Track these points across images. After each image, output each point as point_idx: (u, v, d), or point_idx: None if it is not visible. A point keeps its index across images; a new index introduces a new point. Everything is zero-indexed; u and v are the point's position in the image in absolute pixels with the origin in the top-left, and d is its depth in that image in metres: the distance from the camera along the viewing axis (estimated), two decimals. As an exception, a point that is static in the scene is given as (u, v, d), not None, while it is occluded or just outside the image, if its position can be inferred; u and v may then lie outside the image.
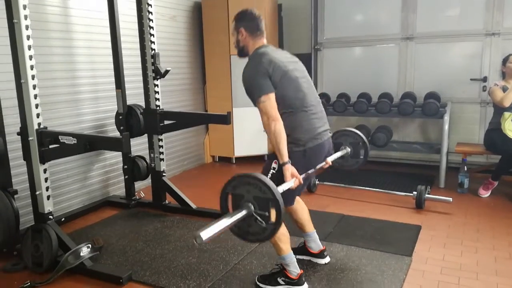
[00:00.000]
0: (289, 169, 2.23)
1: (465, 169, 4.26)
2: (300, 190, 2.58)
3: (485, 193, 4.16)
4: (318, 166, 2.47)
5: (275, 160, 2.32)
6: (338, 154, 2.88)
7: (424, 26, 5.10)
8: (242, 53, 2.51)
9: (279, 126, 2.21)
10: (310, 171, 2.40)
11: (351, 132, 3.02)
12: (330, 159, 2.60)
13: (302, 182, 2.29)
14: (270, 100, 2.24)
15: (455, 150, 4.53)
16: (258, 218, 1.92)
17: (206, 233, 1.70)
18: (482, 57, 4.86)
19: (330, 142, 2.55)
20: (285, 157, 2.22)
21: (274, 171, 2.35)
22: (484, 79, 4.86)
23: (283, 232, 2.41)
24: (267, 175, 2.32)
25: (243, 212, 1.91)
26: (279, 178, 2.25)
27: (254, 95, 2.26)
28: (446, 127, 4.47)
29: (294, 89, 2.35)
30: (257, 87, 2.26)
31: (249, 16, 2.45)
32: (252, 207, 1.93)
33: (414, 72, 5.25)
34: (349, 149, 2.98)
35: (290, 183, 2.20)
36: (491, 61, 4.81)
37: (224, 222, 1.83)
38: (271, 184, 1.90)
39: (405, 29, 5.22)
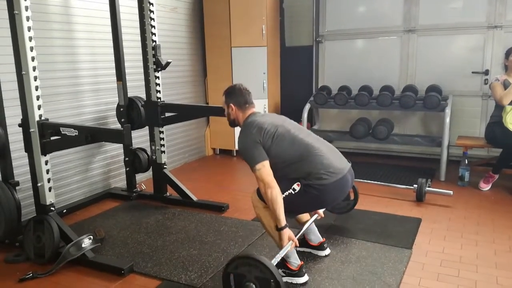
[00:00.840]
0: (287, 233, 2.33)
1: (466, 162, 4.26)
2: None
3: (485, 187, 4.16)
4: (305, 227, 2.66)
5: (298, 183, 2.38)
6: None
7: (427, 18, 5.08)
8: (233, 124, 2.72)
9: (275, 193, 2.29)
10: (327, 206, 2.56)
11: None
12: (321, 211, 2.81)
13: (298, 245, 2.42)
14: (265, 167, 2.34)
15: (456, 143, 4.53)
16: None
17: None
18: (484, 50, 4.84)
19: (352, 173, 2.57)
20: (283, 222, 2.32)
21: (293, 192, 2.39)
22: (486, 72, 4.84)
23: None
24: (283, 193, 2.36)
25: None
26: (295, 200, 2.37)
27: (250, 164, 2.39)
28: (448, 120, 4.46)
29: (290, 142, 2.44)
30: (251, 157, 2.38)
31: (237, 92, 2.65)
32: (254, 287, 2.05)
33: (415, 65, 5.23)
34: None
35: (287, 247, 2.32)
36: (493, 54, 4.79)
37: None
38: (271, 266, 2.02)
39: (407, 21, 5.19)
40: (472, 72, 4.92)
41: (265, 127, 2.43)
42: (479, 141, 4.45)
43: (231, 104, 2.64)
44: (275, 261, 2.19)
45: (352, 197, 3.34)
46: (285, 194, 2.36)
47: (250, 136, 2.43)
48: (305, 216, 2.78)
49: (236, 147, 5.66)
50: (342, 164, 2.48)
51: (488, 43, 4.81)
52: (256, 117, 2.56)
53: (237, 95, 2.64)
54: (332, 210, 3.36)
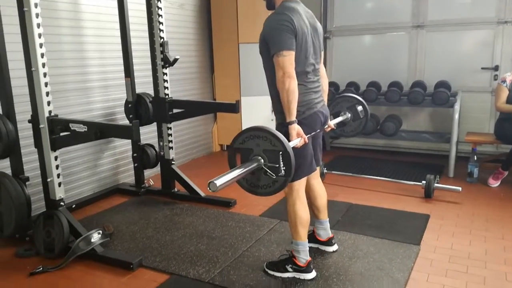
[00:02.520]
0: (295, 128, 2.24)
1: (475, 158, 4.23)
2: (311, 167, 2.52)
3: (494, 183, 4.13)
4: (316, 132, 2.47)
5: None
6: (339, 118, 2.93)
7: (435, 14, 5.04)
8: (269, 4, 2.44)
9: (294, 84, 2.19)
10: (308, 136, 2.36)
11: (344, 97, 3.04)
12: (332, 122, 2.66)
13: (307, 141, 2.30)
14: (291, 57, 2.20)
15: (465, 140, 4.50)
16: (268, 170, 1.94)
17: (221, 180, 1.76)
18: (493, 46, 4.80)
19: (327, 110, 2.54)
20: (293, 116, 2.22)
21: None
22: (496, 68, 4.80)
23: (305, 217, 2.45)
24: None
25: (254, 164, 1.93)
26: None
27: (275, 47, 2.20)
28: (457, 116, 4.43)
29: (303, 55, 2.31)
30: (281, 40, 2.19)
31: None
32: (262, 160, 1.95)
33: (424, 60, 5.20)
34: (349, 114, 2.99)
35: (295, 142, 2.20)
36: (503, 50, 4.75)
37: (237, 172, 1.86)
38: (281, 136, 1.91)
39: (416, 17, 5.15)
40: (482, 68, 4.88)
41: (302, 24, 2.27)
42: (488, 137, 4.41)
43: None
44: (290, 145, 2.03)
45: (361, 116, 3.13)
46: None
47: (288, 21, 2.21)
48: (323, 212, 2.77)
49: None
50: (319, 103, 2.45)
51: (498, 39, 4.76)
52: (298, 6, 2.35)
53: None
54: (346, 134, 3.19)
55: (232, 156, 2.06)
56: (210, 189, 1.73)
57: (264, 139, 1.94)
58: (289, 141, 2.18)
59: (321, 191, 2.76)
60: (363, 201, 3.76)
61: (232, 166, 2.04)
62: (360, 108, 3.01)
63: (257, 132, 1.96)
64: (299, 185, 2.44)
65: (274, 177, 1.94)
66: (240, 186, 2.08)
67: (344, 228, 3.20)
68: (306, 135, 2.32)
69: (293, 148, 2.17)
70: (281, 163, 1.93)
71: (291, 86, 2.18)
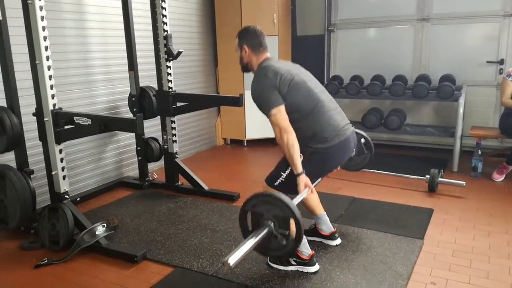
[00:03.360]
0: (303, 180, 2.29)
1: (479, 152, 4.21)
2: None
3: (499, 177, 4.12)
4: (324, 175, 2.60)
5: (300, 155, 2.34)
6: None
7: (440, 7, 5.00)
8: (246, 69, 2.59)
9: (292, 138, 2.25)
10: (333, 170, 2.52)
11: None
12: None
13: (314, 191, 2.39)
14: (281, 113, 2.28)
15: (469, 134, 4.48)
16: (279, 236, 1.99)
17: (234, 258, 1.78)
18: (499, 39, 4.76)
19: (355, 135, 2.57)
20: (299, 168, 2.28)
21: (290, 171, 2.37)
22: (501, 62, 4.77)
23: None
24: (284, 171, 2.35)
25: (265, 231, 1.97)
26: (293, 181, 2.32)
27: (265, 109, 2.31)
28: (461, 110, 4.41)
29: (304, 93, 2.38)
30: (267, 101, 2.30)
31: (251, 34, 2.52)
32: (272, 225, 2.00)
33: (429, 54, 5.16)
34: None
35: (303, 194, 2.27)
36: (508, 43, 4.71)
37: (249, 243, 1.90)
38: (291, 203, 1.96)
39: (421, 10, 5.11)
40: (487, 62, 4.84)
41: (281, 73, 2.35)
42: (493, 132, 4.39)
43: (245, 46, 2.51)
44: (294, 202, 2.11)
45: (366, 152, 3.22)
46: (289, 168, 2.34)
47: (266, 79, 2.33)
48: (317, 208, 2.78)
49: (247, 137, 5.67)
50: (346, 126, 2.47)
51: (503, 32, 4.72)
52: (272, 62, 2.46)
53: (251, 36, 2.51)
54: (348, 168, 3.26)
55: (243, 216, 2.11)
56: (224, 268, 1.77)
57: (275, 205, 1.99)
58: (298, 192, 2.27)
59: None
60: (366, 195, 3.76)
61: (243, 226, 2.12)
62: (363, 141, 3.10)
63: (268, 198, 2.02)
64: None
65: (284, 242, 1.99)
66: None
67: (347, 222, 3.20)
68: (331, 167, 2.49)
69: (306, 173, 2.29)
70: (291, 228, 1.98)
71: (290, 140, 2.24)
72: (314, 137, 2.35)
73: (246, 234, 2.10)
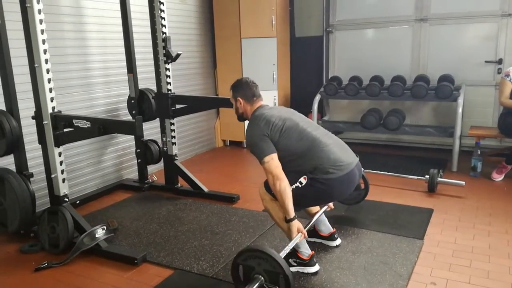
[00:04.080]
0: (296, 225, 2.34)
1: (478, 152, 4.22)
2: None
3: (498, 177, 4.12)
4: (317, 216, 2.67)
5: (305, 176, 2.38)
6: None
7: (439, 7, 5.01)
8: (242, 118, 2.71)
9: (284, 185, 2.29)
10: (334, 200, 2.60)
11: None
12: (331, 203, 2.80)
13: (307, 237, 2.43)
14: (273, 160, 2.35)
15: (469, 134, 4.48)
16: None
17: None
18: (497, 39, 4.77)
19: (360, 167, 2.56)
20: (291, 214, 2.32)
21: (299, 185, 2.39)
22: (499, 61, 4.78)
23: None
24: (290, 185, 2.36)
25: (255, 286, 2.03)
26: (302, 194, 2.37)
27: (258, 157, 2.39)
28: (460, 110, 4.41)
29: (297, 135, 2.43)
30: (259, 150, 2.38)
31: (244, 86, 2.64)
32: (263, 279, 2.05)
33: (427, 54, 5.17)
34: None
35: (296, 239, 2.32)
36: (507, 43, 4.72)
37: None
38: (280, 260, 2.01)
39: (419, 10, 5.13)
40: (485, 61, 4.85)
41: (273, 120, 2.43)
42: (492, 131, 4.39)
43: (239, 98, 2.62)
44: (283, 253, 2.19)
45: (362, 187, 3.34)
46: (292, 187, 2.36)
47: (258, 129, 2.43)
48: (314, 208, 2.78)
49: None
50: (350, 159, 2.47)
51: (501, 32, 4.74)
52: (264, 110, 2.55)
53: (244, 88, 2.63)
54: (342, 201, 3.35)
55: (235, 269, 2.16)
56: None
57: (265, 260, 2.04)
58: (307, 196, 2.37)
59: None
60: (366, 196, 3.75)
61: (235, 278, 2.17)
62: (362, 186, 3.24)
63: (259, 253, 2.06)
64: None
65: None
66: None
67: (347, 222, 3.20)
68: (335, 197, 2.55)
69: (305, 194, 2.37)
70: (281, 284, 2.02)
71: (282, 187, 2.28)
72: (315, 170, 2.37)
73: (237, 285, 2.17)
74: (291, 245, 2.29)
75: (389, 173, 4.18)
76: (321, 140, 2.43)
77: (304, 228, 2.42)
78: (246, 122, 2.65)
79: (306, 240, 2.53)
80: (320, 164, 2.36)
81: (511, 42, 4.68)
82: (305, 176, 2.37)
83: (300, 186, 2.38)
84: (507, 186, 3.96)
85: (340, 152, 2.45)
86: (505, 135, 4.21)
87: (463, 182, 3.78)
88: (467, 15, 4.86)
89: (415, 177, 4.01)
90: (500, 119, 4.21)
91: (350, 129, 5.27)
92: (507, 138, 4.30)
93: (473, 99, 4.92)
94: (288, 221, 2.33)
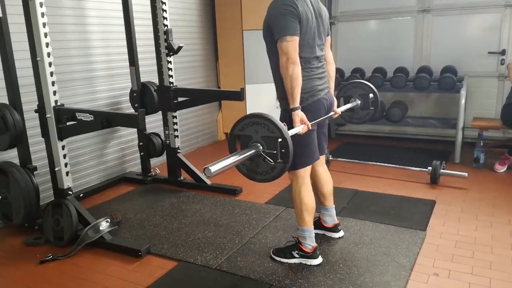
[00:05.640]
0: (299, 115, 2.23)
1: (481, 144, 4.21)
2: (314, 155, 2.49)
3: (501, 168, 4.12)
4: (320, 119, 2.46)
5: (284, 123, 2.21)
6: (348, 106, 2.89)
7: (442, -3, 4.97)
8: None
9: (297, 70, 2.18)
10: (311, 124, 2.34)
11: (360, 84, 2.98)
12: (339, 110, 2.65)
13: (310, 127, 2.29)
14: (294, 42, 2.18)
15: (471, 125, 4.47)
16: (267, 157, 1.95)
17: (215, 167, 1.74)
18: (501, 30, 4.74)
19: (331, 96, 2.52)
20: (297, 102, 2.22)
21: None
22: (503, 52, 4.75)
23: (311, 204, 2.46)
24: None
25: (252, 151, 1.94)
26: (297, 138, 2.21)
27: (278, 32, 2.19)
28: (463, 101, 4.40)
29: (309, 40, 2.31)
30: (284, 25, 2.18)
31: None
32: (261, 147, 1.97)
33: (430, 45, 5.15)
34: (359, 101, 2.95)
35: (299, 128, 2.21)
36: (510, 34, 4.69)
37: (233, 159, 1.87)
38: (279, 123, 1.92)
39: (422, 1, 5.09)
40: (488, 53, 4.82)
41: (306, 9, 2.26)
42: (495, 123, 4.38)
43: None
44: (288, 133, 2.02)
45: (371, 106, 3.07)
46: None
47: (292, 4, 2.19)
48: (329, 198, 2.78)
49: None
50: (323, 87, 2.44)
51: (505, 22, 4.70)
52: None
53: None
54: (350, 120, 3.14)
55: (232, 142, 2.08)
56: (205, 174, 1.73)
57: (262, 126, 1.95)
58: (293, 127, 2.19)
59: (327, 178, 2.77)
60: (368, 188, 3.76)
61: (232, 152, 2.05)
62: (372, 97, 2.95)
63: (256, 119, 1.97)
64: (304, 172, 2.45)
65: (272, 163, 1.95)
66: (239, 172, 2.09)
67: (350, 214, 3.21)
68: (310, 122, 2.32)
69: (297, 135, 2.19)
70: (279, 149, 1.94)
71: (295, 72, 2.17)
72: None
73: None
74: (293, 132, 2.14)
75: (392, 165, 4.18)
76: (315, 65, 2.38)
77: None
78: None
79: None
80: (307, 84, 2.30)
81: (514, 33, 4.65)
82: (284, 123, 2.13)
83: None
84: (510, 178, 3.96)
85: (318, 83, 2.41)
86: (508, 126, 4.20)
87: (466, 174, 3.78)
88: (470, 6, 4.83)
89: (418, 168, 4.02)
90: (503, 110, 4.20)
91: (352, 121, 5.26)
92: (510, 129, 4.29)
93: (476, 91, 4.91)
94: (291, 109, 2.23)
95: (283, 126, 1.94)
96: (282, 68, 2.21)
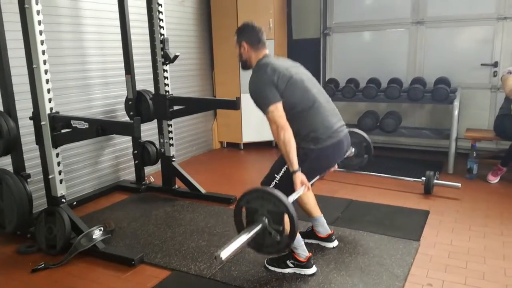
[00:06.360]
0: (299, 177, 2.29)
1: (474, 155, 4.24)
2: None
3: (494, 179, 4.14)
4: (323, 174, 2.59)
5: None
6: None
7: (435, 10, 5.04)
8: (245, 66, 2.57)
9: (288, 135, 2.25)
10: (325, 171, 2.48)
11: (353, 133, 3.06)
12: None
13: (310, 188, 2.38)
14: (278, 110, 2.29)
15: (465, 136, 4.51)
16: (273, 232, 1.98)
17: (225, 253, 1.77)
18: (493, 42, 4.80)
19: (348, 138, 2.58)
20: (295, 165, 2.27)
21: (283, 172, 2.38)
22: (495, 64, 4.80)
23: None
24: (278, 173, 2.37)
25: (259, 227, 1.98)
26: (287, 182, 2.32)
27: (262, 106, 2.32)
28: (456, 112, 4.44)
29: (302, 92, 2.39)
30: (264, 98, 2.31)
31: (250, 29, 2.52)
32: (266, 221, 2.00)
33: (424, 57, 5.20)
34: (353, 149, 3.04)
35: (300, 191, 2.27)
36: (502, 46, 4.75)
37: (242, 239, 1.90)
38: (284, 199, 1.96)
39: (416, 13, 5.15)
40: (481, 64, 4.88)
41: (280, 70, 2.36)
42: (488, 134, 4.43)
43: (243, 42, 2.50)
44: (290, 199, 2.11)
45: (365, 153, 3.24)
46: (282, 169, 2.36)
47: (265, 76, 2.34)
48: (314, 210, 2.79)
49: (244, 140, 5.68)
50: (340, 128, 2.48)
51: (497, 35, 4.77)
52: (270, 59, 2.47)
53: (250, 32, 2.50)
54: (345, 167, 3.25)
55: (238, 213, 2.12)
56: (216, 262, 1.77)
57: (268, 201, 2.00)
58: (294, 191, 2.26)
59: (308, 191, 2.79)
60: (363, 198, 3.77)
61: (238, 221, 2.12)
62: (365, 144, 3.12)
63: (262, 193, 2.02)
64: None
65: (279, 238, 1.99)
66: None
67: (344, 224, 3.21)
68: (324, 168, 2.49)
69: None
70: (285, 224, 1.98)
71: (286, 138, 2.25)
72: (307, 137, 2.36)
73: (240, 229, 2.10)
74: (295, 196, 2.21)
75: (386, 175, 4.20)
76: (321, 105, 2.42)
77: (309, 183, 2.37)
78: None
79: (304, 242, 2.54)
80: (313, 131, 2.35)
81: (507, 45, 4.71)
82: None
83: (283, 173, 2.38)
84: (502, 188, 3.98)
85: (334, 121, 2.45)
86: (500, 138, 4.23)
87: (459, 184, 3.80)
88: (463, 18, 4.90)
89: (412, 179, 4.04)
90: (496, 122, 4.24)
91: (347, 131, 5.29)
92: (502, 140, 4.32)
93: (469, 102, 4.95)
94: (292, 173, 2.28)
95: (288, 201, 1.98)
96: (274, 136, 2.31)
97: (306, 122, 2.38)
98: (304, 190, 2.31)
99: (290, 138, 2.25)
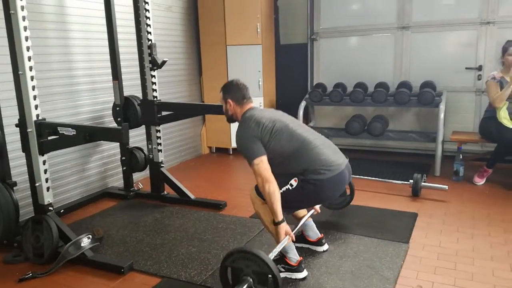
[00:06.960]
0: (284, 228, 2.34)
1: (461, 157, 4.30)
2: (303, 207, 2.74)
3: (480, 181, 4.20)
4: (315, 209, 2.75)
5: (295, 178, 2.40)
6: None
7: (420, 15, 5.11)
8: (231, 119, 2.70)
9: (273, 187, 2.30)
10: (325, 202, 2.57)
11: None
12: (317, 207, 2.83)
13: (294, 240, 2.43)
14: (263, 163, 2.35)
15: (451, 139, 4.57)
16: None
17: None
18: (477, 46, 4.88)
19: (350, 168, 2.59)
20: (280, 216, 2.32)
21: (290, 188, 2.42)
22: (479, 68, 4.88)
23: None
24: (281, 188, 2.38)
25: (244, 287, 2.03)
26: (292, 196, 2.39)
27: (248, 158, 2.39)
28: (442, 115, 4.50)
29: (287, 136, 2.45)
30: (249, 151, 2.38)
31: (234, 88, 2.65)
32: (251, 281, 2.05)
33: (410, 61, 5.26)
34: None
35: (283, 242, 2.33)
36: (486, 50, 4.84)
37: None
38: (269, 261, 2.02)
39: (401, 18, 5.22)
40: (466, 68, 4.96)
41: (263, 122, 2.44)
42: (473, 136, 4.49)
43: (229, 100, 2.63)
44: (272, 255, 2.20)
45: (348, 192, 3.37)
46: (282, 189, 2.39)
47: (248, 130, 2.44)
48: (301, 212, 2.80)
49: (233, 145, 5.67)
50: (340, 160, 2.49)
51: (481, 39, 4.85)
52: (254, 111, 2.56)
53: (234, 90, 2.63)
54: (328, 206, 3.40)
55: (224, 273, 2.17)
56: None
57: (253, 261, 2.05)
58: (298, 199, 2.38)
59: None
60: (352, 201, 3.78)
61: (224, 281, 2.17)
62: (348, 191, 3.32)
63: (247, 254, 2.07)
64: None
65: None
66: None
67: (333, 227, 3.23)
68: (324, 198, 2.57)
69: (299, 191, 2.39)
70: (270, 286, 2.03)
71: (271, 190, 2.29)
72: (306, 171, 2.39)
73: None
74: (279, 248, 2.30)
75: (374, 178, 4.23)
76: (311, 141, 2.45)
77: (292, 231, 2.43)
78: (233, 128, 2.67)
79: (294, 246, 2.54)
80: (311, 165, 2.39)
81: (490, 49, 4.79)
82: (296, 178, 2.40)
83: (290, 188, 2.41)
84: (488, 190, 4.04)
85: (330, 153, 2.47)
86: (485, 140, 4.30)
87: (446, 186, 3.84)
88: (448, 23, 4.97)
89: (400, 182, 4.07)
90: (481, 124, 4.31)
91: (335, 135, 5.31)
92: (487, 142, 4.39)
93: (455, 105, 5.02)
94: (276, 223, 2.33)
95: (273, 263, 2.04)
96: (259, 188, 2.36)
97: (300, 160, 2.41)
98: (288, 241, 2.36)
99: (275, 190, 2.30)
